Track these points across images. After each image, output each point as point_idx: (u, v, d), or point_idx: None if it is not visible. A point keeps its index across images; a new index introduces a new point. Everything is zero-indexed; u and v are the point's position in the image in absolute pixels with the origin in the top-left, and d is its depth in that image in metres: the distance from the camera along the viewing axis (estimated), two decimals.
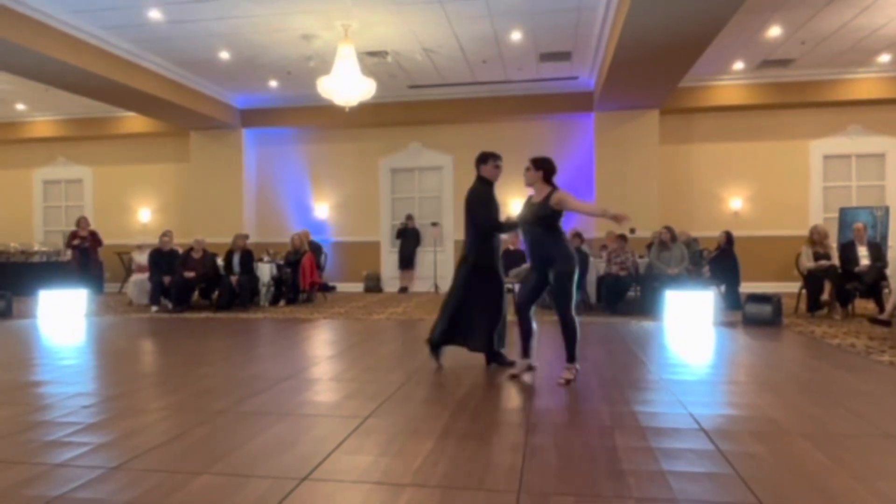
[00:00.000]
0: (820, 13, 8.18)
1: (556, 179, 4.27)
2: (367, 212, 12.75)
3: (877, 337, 5.87)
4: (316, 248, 11.09)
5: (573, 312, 4.05)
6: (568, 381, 4.00)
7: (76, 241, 11.10)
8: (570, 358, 4.10)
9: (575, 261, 4.05)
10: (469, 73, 10.65)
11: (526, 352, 4.30)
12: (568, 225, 10.63)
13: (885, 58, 10.02)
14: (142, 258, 10.18)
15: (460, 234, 4.76)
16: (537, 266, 4.15)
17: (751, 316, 6.83)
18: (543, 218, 4.05)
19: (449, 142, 12.40)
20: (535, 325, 4.32)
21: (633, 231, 10.64)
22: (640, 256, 8.94)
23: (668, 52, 8.08)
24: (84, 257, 10.97)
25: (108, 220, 13.65)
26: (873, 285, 7.41)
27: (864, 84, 10.83)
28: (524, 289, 4.29)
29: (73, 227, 11.57)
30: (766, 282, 10.74)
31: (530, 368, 4.33)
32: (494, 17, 8.25)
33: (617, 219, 3.84)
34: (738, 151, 11.57)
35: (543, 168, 4.17)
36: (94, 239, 11.31)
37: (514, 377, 4.20)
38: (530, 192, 4.28)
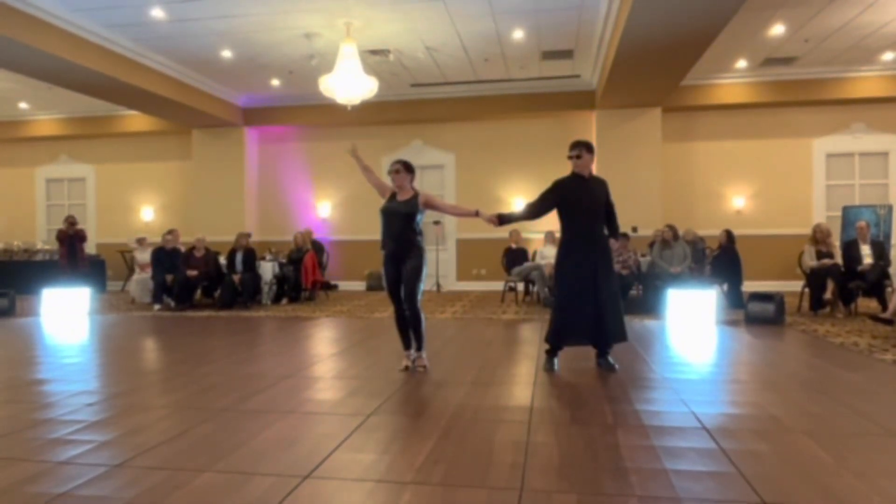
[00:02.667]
0: (823, 11, 8.16)
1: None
2: (370, 210, 12.67)
3: (880, 335, 5.86)
4: (318, 247, 11.10)
5: (420, 304, 4.42)
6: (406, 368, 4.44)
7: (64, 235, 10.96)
8: (420, 346, 4.51)
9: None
10: (471, 71, 10.64)
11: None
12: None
13: (888, 56, 9.99)
14: (144, 256, 10.20)
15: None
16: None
17: (753, 314, 6.81)
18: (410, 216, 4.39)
19: (451, 140, 12.40)
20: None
21: (635, 230, 10.64)
22: (643, 255, 8.93)
23: (670, 50, 8.06)
24: (72, 255, 10.90)
25: (110, 219, 13.69)
26: (876, 284, 7.39)
27: (867, 82, 10.79)
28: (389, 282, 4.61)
29: (61, 226, 11.42)
30: (769, 280, 10.73)
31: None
32: (497, 16, 8.24)
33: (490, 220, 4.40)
34: (741, 150, 11.54)
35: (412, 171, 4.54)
36: (80, 236, 11.18)
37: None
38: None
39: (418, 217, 4.41)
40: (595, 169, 11.07)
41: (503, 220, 4.44)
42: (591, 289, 4.29)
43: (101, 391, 3.91)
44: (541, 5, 7.92)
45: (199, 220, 12.43)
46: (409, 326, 4.48)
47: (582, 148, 4.44)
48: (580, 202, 4.39)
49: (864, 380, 4.06)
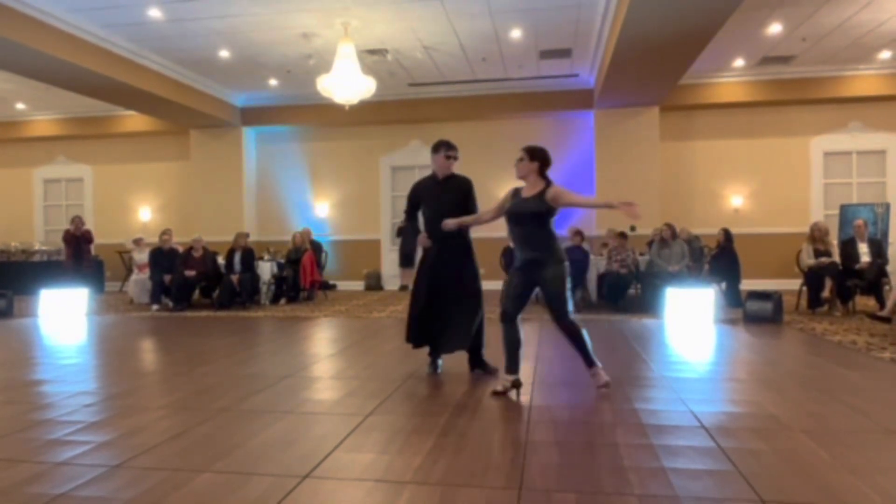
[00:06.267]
0: (820, 10, 8.17)
1: (557, 177, 4.18)
2: (368, 210, 12.75)
3: (877, 333, 5.87)
4: (316, 247, 11.10)
5: (571, 316, 3.67)
6: (606, 384, 3.71)
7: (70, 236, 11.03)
8: (590, 363, 3.76)
9: (567, 263, 3.70)
10: (469, 70, 10.64)
11: (512, 367, 3.73)
12: (567, 222, 10.62)
13: (885, 54, 10.01)
14: (142, 257, 10.18)
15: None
16: (525, 268, 3.70)
17: (751, 313, 6.82)
18: (538, 215, 3.65)
19: (449, 139, 12.37)
20: (522, 335, 3.77)
21: (633, 229, 10.64)
22: (641, 254, 8.94)
23: (668, 49, 8.07)
24: (77, 255, 10.93)
25: (108, 219, 13.66)
26: (874, 282, 7.40)
27: (864, 81, 10.81)
28: (510, 295, 3.74)
29: (68, 227, 11.49)
30: (767, 279, 10.73)
31: (516, 385, 3.72)
32: (494, 15, 8.24)
33: (625, 208, 3.44)
34: (739, 148, 11.56)
35: (540, 159, 3.73)
36: (86, 237, 11.23)
37: (498, 394, 3.66)
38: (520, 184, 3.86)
39: (553, 215, 3.70)
40: (594, 167, 11.18)
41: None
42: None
43: (100, 392, 3.90)
44: (538, 4, 7.92)
45: (198, 220, 12.42)
46: (516, 346, 3.73)
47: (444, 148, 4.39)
48: (428, 204, 4.39)
49: (863, 378, 4.07)
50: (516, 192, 3.79)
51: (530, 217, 3.65)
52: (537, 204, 3.65)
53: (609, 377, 3.78)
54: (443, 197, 4.33)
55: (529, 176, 3.74)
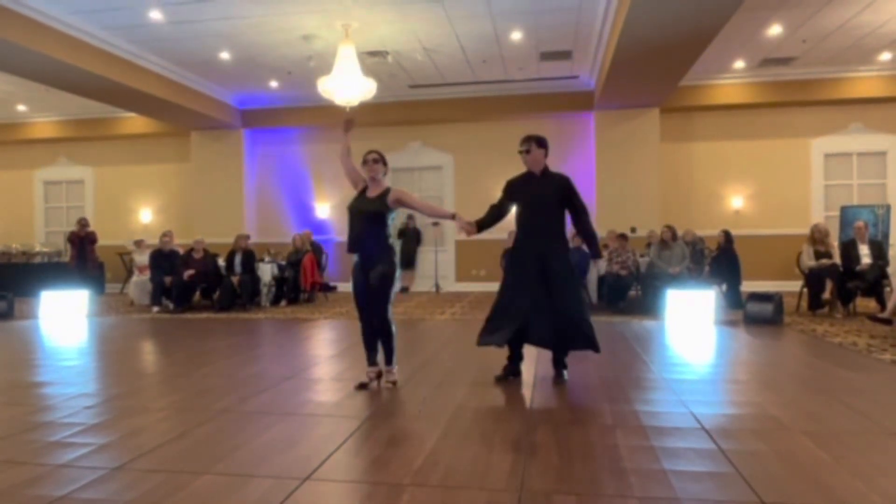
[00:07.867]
0: (821, 11, 8.17)
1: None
2: None
3: (878, 335, 5.86)
4: (317, 248, 11.10)
5: (390, 314, 3.90)
6: (394, 382, 3.98)
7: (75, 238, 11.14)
8: (389, 361, 3.99)
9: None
10: (469, 72, 10.65)
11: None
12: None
13: (886, 56, 10.01)
14: (142, 258, 10.19)
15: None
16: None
17: (752, 315, 6.82)
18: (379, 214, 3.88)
19: (449, 141, 12.39)
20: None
21: (633, 230, 10.64)
22: (641, 255, 8.94)
23: (668, 50, 8.07)
24: (81, 257, 10.99)
25: (108, 221, 13.66)
26: (874, 284, 7.40)
27: (865, 82, 10.82)
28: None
29: (73, 228, 11.58)
30: (768, 280, 10.73)
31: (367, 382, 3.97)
32: (495, 17, 8.25)
33: (462, 225, 4.02)
34: (739, 150, 11.56)
35: None
36: (91, 238, 11.32)
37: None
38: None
39: (390, 216, 3.94)
40: (595, 169, 11.18)
41: (481, 227, 4.19)
42: (537, 284, 3.98)
43: (100, 393, 3.90)
44: (539, 6, 7.93)
45: (198, 222, 12.43)
46: (376, 340, 4.00)
47: (531, 142, 4.21)
48: (525, 198, 4.21)
49: (863, 379, 4.06)
50: (363, 192, 4.03)
51: (373, 216, 3.90)
52: (380, 205, 3.91)
53: (398, 377, 4.03)
54: (534, 192, 4.21)
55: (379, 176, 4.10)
